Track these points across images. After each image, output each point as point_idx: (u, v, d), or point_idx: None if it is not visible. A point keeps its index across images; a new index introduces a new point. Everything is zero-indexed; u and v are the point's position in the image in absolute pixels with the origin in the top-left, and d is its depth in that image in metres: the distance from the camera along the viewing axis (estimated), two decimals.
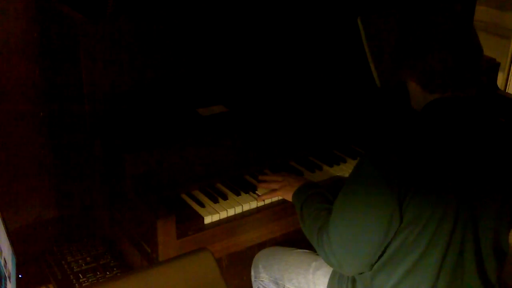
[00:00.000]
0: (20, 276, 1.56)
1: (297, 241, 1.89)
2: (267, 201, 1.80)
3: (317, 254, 1.56)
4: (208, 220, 1.71)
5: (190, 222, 1.69)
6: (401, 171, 1.33)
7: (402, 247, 1.39)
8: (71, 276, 1.82)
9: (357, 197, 1.40)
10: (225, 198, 1.78)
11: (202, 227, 1.69)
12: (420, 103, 1.46)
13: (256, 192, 1.82)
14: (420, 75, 1.41)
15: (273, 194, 1.79)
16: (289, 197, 1.75)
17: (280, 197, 1.79)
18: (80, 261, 1.88)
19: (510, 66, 3.47)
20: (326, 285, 1.69)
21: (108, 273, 1.83)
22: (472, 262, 1.43)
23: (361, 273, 1.50)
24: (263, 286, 1.87)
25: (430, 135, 1.38)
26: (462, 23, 1.40)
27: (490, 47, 3.07)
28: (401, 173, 1.33)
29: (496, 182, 1.43)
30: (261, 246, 2.00)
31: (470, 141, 1.40)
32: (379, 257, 1.43)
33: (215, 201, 1.77)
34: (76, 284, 1.78)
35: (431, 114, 1.41)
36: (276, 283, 1.82)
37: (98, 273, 1.83)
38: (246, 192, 1.82)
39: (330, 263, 1.49)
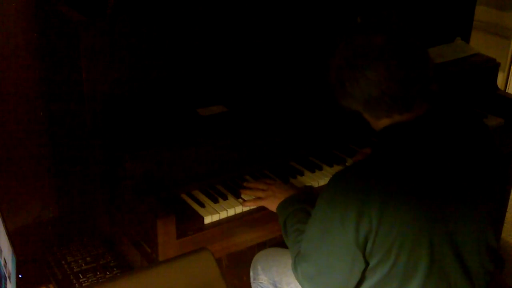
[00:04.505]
0: (20, 276, 1.56)
1: None
2: None
3: None
4: (208, 220, 1.71)
5: (190, 222, 1.69)
6: (358, 211, 1.31)
7: (381, 280, 1.38)
8: (71, 276, 1.82)
9: (319, 238, 1.41)
10: (225, 198, 1.78)
11: (202, 227, 1.69)
12: (378, 128, 1.45)
13: (242, 197, 1.80)
14: (362, 103, 1.38)
15: (257, 202, 1.76)
16: (273, 208, 1.73)
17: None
18: (80, 261, 1.88)
19: (510, 66, 3.47)
20: None
21: (108, 273, 1.83)
22: (456, 274, 1.40)
23: None
24: None
25: (388, 165, 1.36)
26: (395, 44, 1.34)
27: (490, 47, 3.07)
28: (359, 213, 1.31)
29: (466, 194, 1.40)
30: (261, 246, 2.00)
31: (429, 163, 1.37)
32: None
33: (215, 201, 1.77)
34: (76, 284, 1.79)
35: (386, 144, 1.41)
36: (275, 286, 1.82)
37: (98, 273, 1.83)
38: None
39: None
